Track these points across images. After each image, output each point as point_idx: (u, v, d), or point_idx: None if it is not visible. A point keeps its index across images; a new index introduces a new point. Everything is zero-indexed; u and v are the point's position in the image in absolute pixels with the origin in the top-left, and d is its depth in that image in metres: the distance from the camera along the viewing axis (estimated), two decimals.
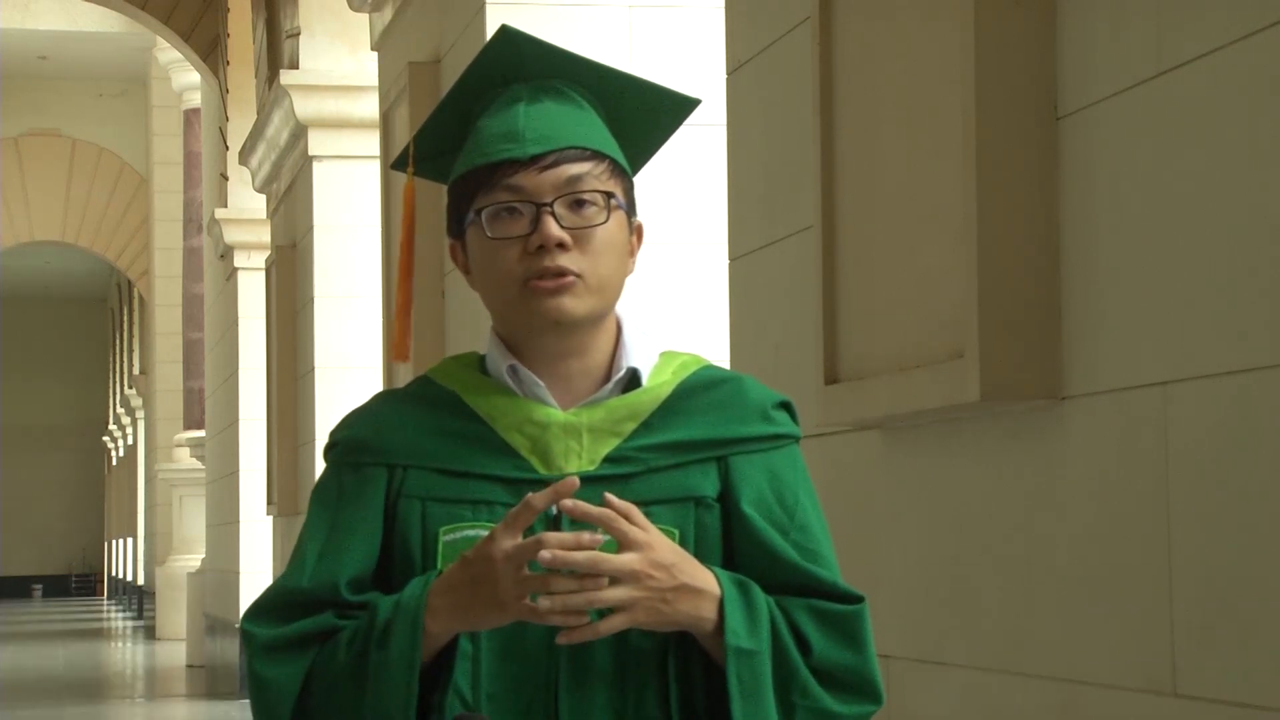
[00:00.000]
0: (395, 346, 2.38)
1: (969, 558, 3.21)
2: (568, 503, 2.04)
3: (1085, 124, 2.87)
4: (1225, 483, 2.54)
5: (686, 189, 6.03)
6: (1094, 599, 2.84)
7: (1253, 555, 2.48)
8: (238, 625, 13.28)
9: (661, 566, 2.05)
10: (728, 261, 4.30)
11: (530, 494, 2.06)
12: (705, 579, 2.10)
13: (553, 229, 2.12)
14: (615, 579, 2.04)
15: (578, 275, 2.13)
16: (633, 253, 2.23)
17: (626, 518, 2.06)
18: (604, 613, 2.06)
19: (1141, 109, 2.72)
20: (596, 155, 2.16)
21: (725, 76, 4.30)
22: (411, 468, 2.17)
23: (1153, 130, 2.69)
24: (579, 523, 2.07)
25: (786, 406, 2.24)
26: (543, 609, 2.02)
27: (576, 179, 2.14)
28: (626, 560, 2.04)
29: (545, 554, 2.01)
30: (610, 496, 2.08)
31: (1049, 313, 2.93)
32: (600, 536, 2.04)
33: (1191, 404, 2.61)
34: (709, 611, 2.09)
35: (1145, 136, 2.71)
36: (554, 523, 2.11)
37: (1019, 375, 2.93)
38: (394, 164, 2.36)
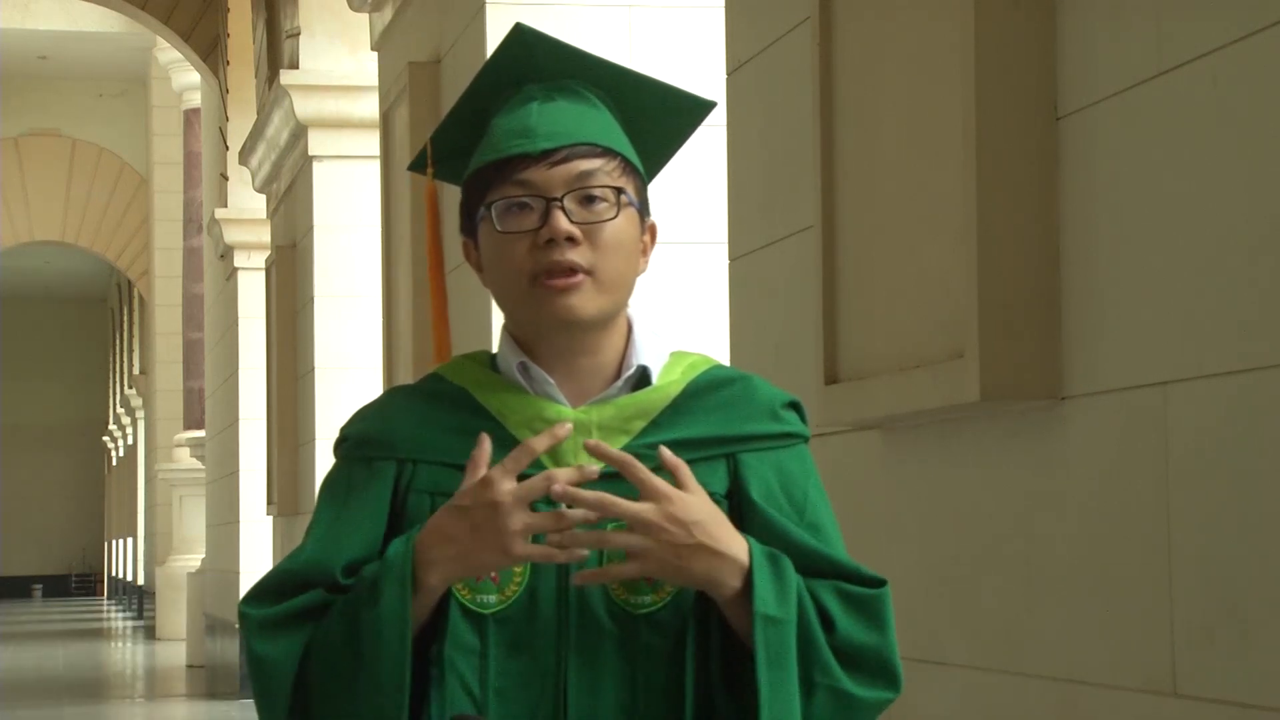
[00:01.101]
0: (437, 350, 2.38)
1: (969, 558, 3.21)
2: (589, 442, 2.05)
3: (1085, 124, 2.87)
4: (1225, 483, 2.54)
5: (687, 189, 6.03)
6: (1094, 599, 2.84)
7: (1253, 555, 2.48)
8: (237, 625, 13.30)
9: (679, 522, 2.04)
10: (728, 261, 4.30)
11: (528, 438, 2.07)
12: (732, 543, 2.08)
13: (562, 223, 2.12)
14: (629, 525, 2.04)
15: (587, 271, 2.13)
16: (645, 251, 2.23)
17: (675, 471, 2.07)
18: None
19: (1141, 109, 2.72)
20: (608, 152, 2.17)
21: (725, 76, 4.30)
22: (421, 463, 2.17)
23: (1153, 130, 2.70)
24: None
25: (795, 406, 2.24)
26: (551, 543, 2.02)
27: (587, 174, 2.14)
28: (639, 508, 2.04)
29: (557, 487, 2.01)
30: (664, 449, 2.08)
31: (1049, 313, 2.93)
32: (595, 468, 2.04)
33: (1191, 404, 2.61)
34: (728, 577, 2.08)
35: (1145, 136, 2.71)
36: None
37: (1019, 375, 2.93)
38: (411, 165, 2.37)
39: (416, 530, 2.10)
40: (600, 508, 2.03)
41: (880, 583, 2.17)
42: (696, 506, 2.07)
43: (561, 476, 2.03)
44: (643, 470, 2.05)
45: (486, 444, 2.07)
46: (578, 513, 2.03)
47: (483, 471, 2.05)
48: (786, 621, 2.08)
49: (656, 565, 2.05)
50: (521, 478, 2.07)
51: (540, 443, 2.05)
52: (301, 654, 2.11)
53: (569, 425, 2.07)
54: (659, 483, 2.05)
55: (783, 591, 2.09)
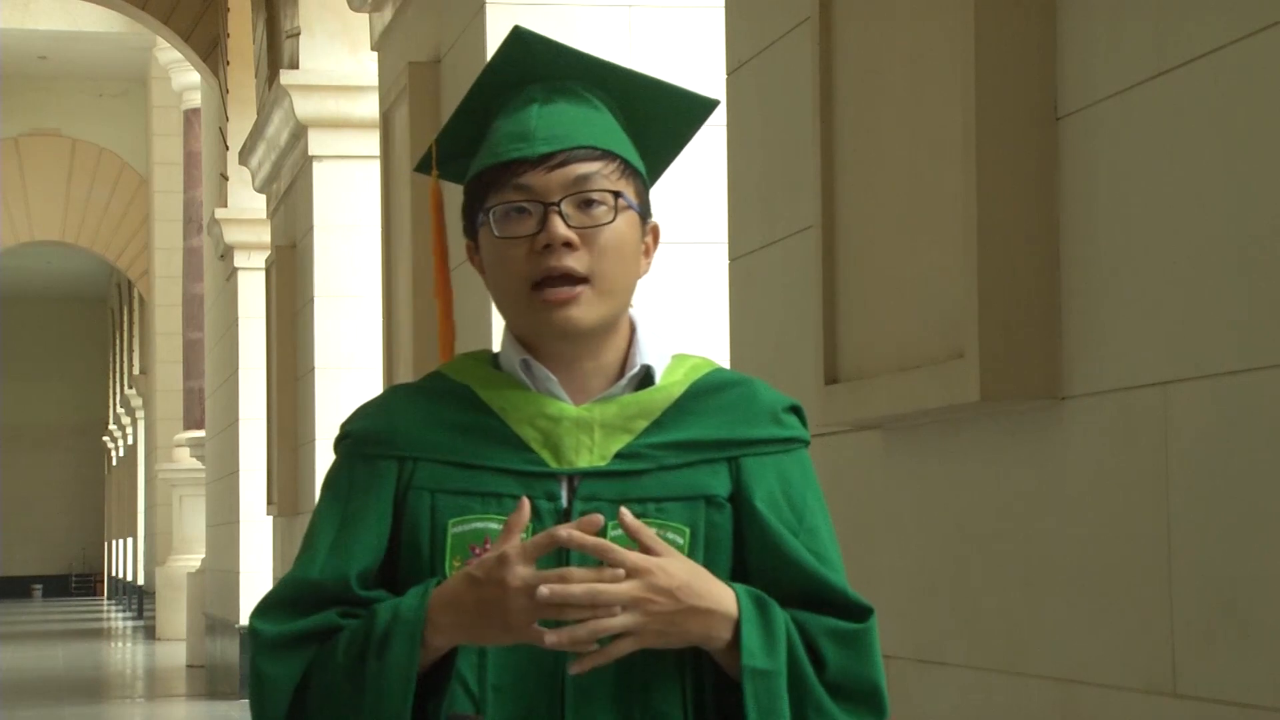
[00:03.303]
0: (443, 348, 2.38)
1: (969, 558, 3.21)
2: (562, 533, 2.03)
3: (1085, 124, 2.87)
4: (1225, 483, 2.54)
5: (687, 189, 6.03)
6: (1094, 599, 2.84)
7: (1253, 555, 2.48)
8: (238, 625, 13.24)
9: (664, 591, 2.05)
10: (728, 261, 4.30)
11: (556, 527, 2.05)
12: (718, 597, 2.09)
13: (559, 228, 2.12)
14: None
15: (585, 278, 2.13)
16: (647, 254, 2.23)
17: (637, 536, 2.06)
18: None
19: (1141, 109, 2.72)
20: (607, 155, 2.16)
21: (725, 76, 4.30)
22: (422, 460, 2.17)
23: (1153, 130, 2.70)
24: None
25: (796, 410, 2.24)
26: (549, 643, 2.03)
27: (584, 178, 2.14)
28: (625, 589, 2.03)
29: (544, 590, 2.01)
30: (624, 513, 2.07)
31: (1049, 313, 2.93)
32: (620, 572, 2.03)
33: (1191, 404, 2.61)
34: (721, 630, 2.09)
35: (1145, 136, 2.71)
36: (563, 516, 2.12)
37: (1019, 375, 2.93)
38: (417, 167, 2.37)
39: (434, 583, 2.10)
40: (589, 601, 2.02)
41: (868, 613, 2.17)
42: (675, 569, 2.06)
43: (576, 576, 2.02)
44: (618, 552, 2.04)
45: (525, 510, 2.06)
46: (576, 590, 2.01)
47: (517, 536, 2.05)
48: (775, 673, 2.09)
49: (651, 637, 2.06)
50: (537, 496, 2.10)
51: (565, 531, 2.03)
52: (302, 675, 2.12)
53: (599, 518, 2.05)
54: (638, 558, 2.05)
55: (771, 641, 2.09)
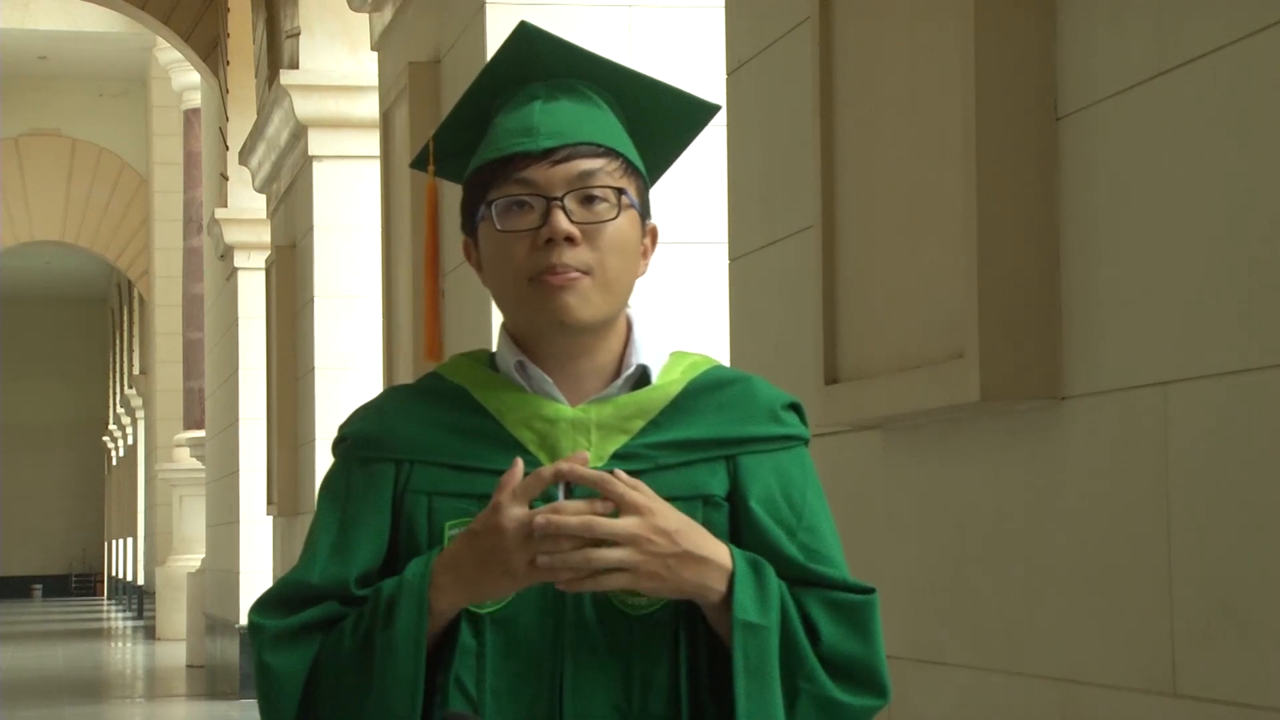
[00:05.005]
0: (427, 347, 2.38)
1: (969, 558, 3.21)
2: (564, 465, 2.05)
3: (1085, 124, 2.87)
4: (1225, 483, 2.54)
5: (687, 189, 6.03)
6: (1094, 599, 2.84)
7: (1253, 555, 2.48)
8: (238, 625, 13.20)
9: (662, 532, 2.05)
10: (728, 261, 4.30)
11: (541, 467, 2.07)
12: (713, 549, 2.09)
13: (562, 223, 2.12)
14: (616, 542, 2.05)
15: (585, 272, 2.13)
16: (645, 254, 2.23)
17: (635, 489, 2.07)
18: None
19: (1141, 109, 2.72)
20: (610, 153, 2.16)
21: (725, 76, 4.30)
22: (419, 463, 2.17)
23: (1153, 130, 2.70)
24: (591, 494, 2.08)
25: (795, 408, 2.24)
26: (541, 565, 2.03)
27: (588, 174, 2.14)
28: (624, 524, 2.04)
29: (540, 519, 2.02)
30: (619, 473, 2.08)
31: (1049, 313, 2.93)
32: (610, 505, 2.04)
33: (1191, 404, 2.61)
34: (715, 581, 2.09)
35: (1145, 136, 2.71)
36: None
37: (1019, 375, 2.93)
38: (413, 163, 2.37)
39: (436, 552, 2.11)
40: (585, 531, 2.03)
41: (868, 590, 2.17)
42: (674, 516, 2.08)
43: (569, 509, 2.03)
44: (619, 486, 2.06)
45: (518, 468, 2.07)
46: (571, 521, 2.03)
47: (509, 491, 2.06)
48: (767, 628, 2.08)
49: (646, 578, 2.06)
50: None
51: (550, 472, 2.05)
52: (310, 666, 2.12)
53: (585, 454, 2.07)
54: (638, 497, 2.06)
55: (764, 598, 2.09)
